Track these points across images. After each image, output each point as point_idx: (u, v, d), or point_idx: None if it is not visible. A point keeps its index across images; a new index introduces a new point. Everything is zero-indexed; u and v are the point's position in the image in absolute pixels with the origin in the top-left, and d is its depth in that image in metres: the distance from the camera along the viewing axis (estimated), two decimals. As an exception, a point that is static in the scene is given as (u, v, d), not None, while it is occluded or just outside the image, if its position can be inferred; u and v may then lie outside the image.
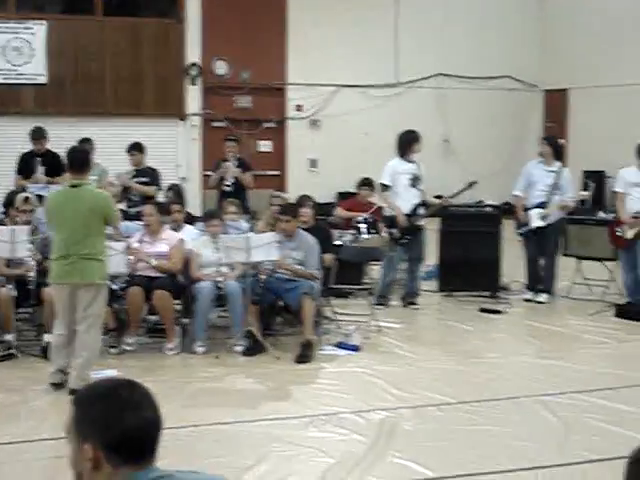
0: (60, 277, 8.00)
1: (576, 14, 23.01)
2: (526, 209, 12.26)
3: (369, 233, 12.20)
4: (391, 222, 11.96)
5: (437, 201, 12.30)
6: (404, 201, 11.93)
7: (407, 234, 11.85)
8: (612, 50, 21.82)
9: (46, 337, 9.00)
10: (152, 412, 2.57)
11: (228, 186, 13.31)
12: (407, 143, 12.09)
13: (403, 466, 6.29)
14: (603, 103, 22.09)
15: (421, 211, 11.95)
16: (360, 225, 12.26)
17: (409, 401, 7.85)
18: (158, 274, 9.63)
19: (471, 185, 12.42)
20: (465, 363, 9.29)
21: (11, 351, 9.20)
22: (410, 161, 12.03)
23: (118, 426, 2.49)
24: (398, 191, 11.96)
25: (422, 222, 12.03)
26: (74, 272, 7.90)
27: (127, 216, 11.60)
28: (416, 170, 12.02)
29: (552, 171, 12.26)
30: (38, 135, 13.15)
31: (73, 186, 8.06)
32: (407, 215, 11.86)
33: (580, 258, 12.77)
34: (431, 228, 12.63)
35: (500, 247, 12.59)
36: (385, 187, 12.07)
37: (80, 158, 8.23)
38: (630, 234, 11.51)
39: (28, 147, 13.17)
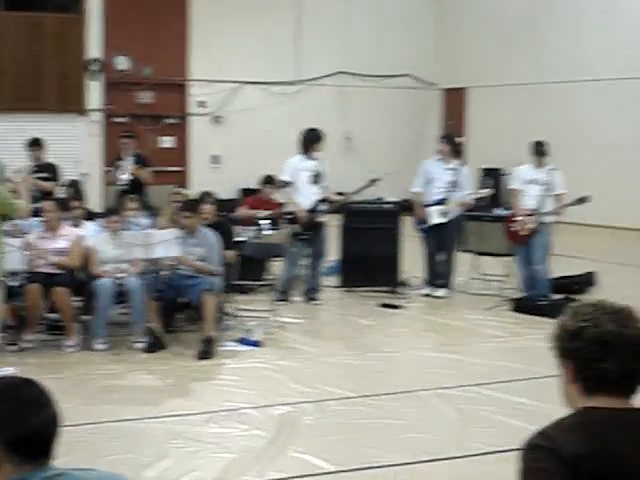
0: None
1: (473, 15, 23.43)
2: (425, 206, 12.44)
3: (271, 229, 12.26)
4: (292, 218, 12.03)
5: (338, 198, 12.40)
6: (305, 198, 12.01)
7: (308, 230, 11.93)
8: (508, 50, 22.29)
9: None
10: (52, 410, 2.58)
11: (125, 183, 13.18)
12: (310, 141, 12.16)
13: (303, 460, 6.36)
14: (500, 102, 22.53)
15: (322, 208, 12.04)
16: (262, 222, 12.31)
17: (310, 396, 7.92)
18: (57, 271, 9.53)
19: (373, 182, 12.56)
20: (365, 357, 9.41)
21: None
22: (311, 158, 12.10)
23: (20, 425, 2.49)
24: (299, 187, 12.03)
25: (323, 218, 12.12)
26: None
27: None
28: (317, 167, 12.10)
29: (451, 168, 12.46)
30: None
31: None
32: (308, 211, 11.94)
33: (477, 254, 13.01)
34: (332, 224, 12.73)
35: (400, 243, 12.75)
36: (286, 183, 12.13)
37: None
38: (525, 230, 11.78)
39: None
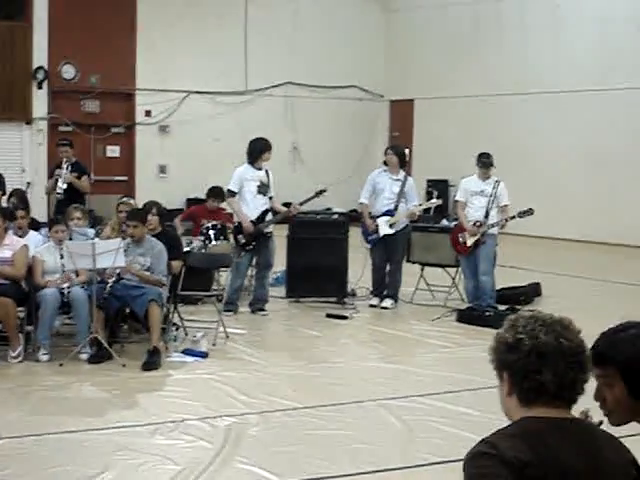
0: None
1: (421, 26, 23.61)
2: (373, 217, 12.48)
3: (217, 239, 12.23)
4: (237, 229, 12.01)
5: (285, 208, 12.40)
6: (251, 208, 11.99)
7: (253, 241, 11.91)
8: (455, 62, 22.48)
9: None
10: None
11: (59, 193, 13.03)
12: (257, 151, 12.14)
13: (249, 472, 6.34)
14: (447, 114, 22.72)
15: (268, 218, 12.03)
16: (209, 232, 12.28)
17: (256, 407, 7.90)
18: (1, 281, 9.42)
19: (320, 193, 12.58)
20: (311, 368, 9.40)
21: None
22: (259, 168, 12.08)
23: None
24: (245, 198, 12.01)
25: (269, 229, 12.11)
26: None
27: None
28: (264, 177, 12.09)
29: (397, 180, 12.52)
30: None
31: None
32: (253, 222, 11.92)
33: (423, 264, 13.08)
34: (279, 235, 12.72)
35: (347, 254, 12.78)
36: (232, 193, 12.10)
37: None
38: (470, 241, 11.87)
39: None
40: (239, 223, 12.01)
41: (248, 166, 12.12)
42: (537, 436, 2.69)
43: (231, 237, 12.20)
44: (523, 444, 2.66)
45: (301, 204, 12.49)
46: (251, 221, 11.91)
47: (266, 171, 12.15)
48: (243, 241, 11.94)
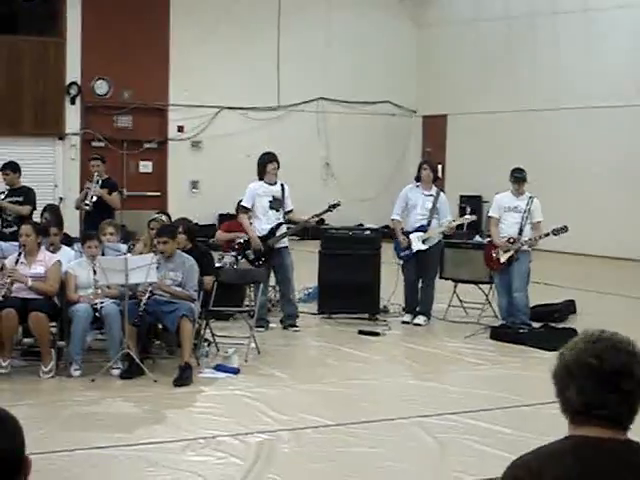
0: None
1: (453, 43, 23.57)
2: (405, 233, 12.42)
3: (243, 256, 12.21)
4: (246, 244, 12.01)
5: (300, 219, 12.39)
6: (263, 223, 11.97)
7: (263, 256, 11.87)
8: (488, 77, 22.41)
9: None
10: None
11: (87, 205, 13.03)
12: (262, 164, 12.15)
13: (280, 489, 6.30)
14: (480, 129, 22.63)
15: (280, 232, 11.97)
16: (240, 247, 12.26)
17: (287, 423, 7.85)
18: (34, 296, 9.44)
19: (334, 207, 12.55)
20: (343, 385, 9.35)
21: None
22: (272, 183, 12.07)
23: None
24: (256, 213, 12.01)
25: (283, 244, 12.05)
26: None
27: (2, 236, 11.36)
28: (278, 192, 12.06)
29: (430, 195, 12.46)
30: None
31: None
32: (263, 237, 11.88)
33: (456, 281, 12.99)
34: (311, 250, 12.68)
35: (379, 270, 12.72)
36: (244, 209, 12.10)
37: None
38: (504, 258, 11.78)
39: None
40: (248, 239, 12.01)
41: (260, 182, 12.12)
42: (571, 455, 2.64)
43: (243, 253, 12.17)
44: (557, 463, 2.62)
45: (316, 217, 12.48)
46: (261, 237, 11.88)
47: (281, 185, 12.13)
48: (252, 257, 11.92)
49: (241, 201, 12.48)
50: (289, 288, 12.20)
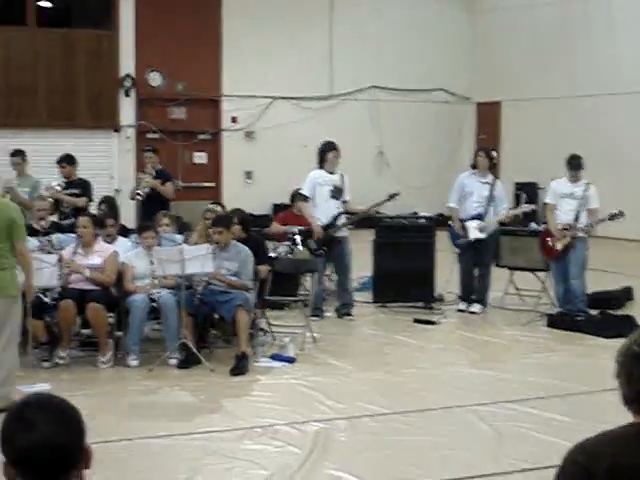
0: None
1: (507, 28, 23.37)
2: (462, 221, 12.35)
3: (304, 245, 12.22)
4: (307, 233, 12.01)
5: (359, 209, 12.37)
6: (323, 212, 11.97)
7: (324, 245, 11.87)
8: (542, 63, 22.19)
9: None
10: (47, 434, 2.54)
11: (140, 195, 13.08)
12: (322, 152, 12.17)
13: (337, 477, 6.29)
14: (535, 115, 22.44)
15: (341, 222, 11.97)
16: (295, 237, 12.28)
17: (344, 412, 7.86)
18: (91, 287, 9.54)
19: (392, 197, 12.50)
20: (399, 373, 9.33)
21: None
22: (331, 172, 12.07)
23: (10, 446, 2.54)
24: (317, 202, 12.01)
25: (343, 233, 12.05)
26: None
27: (60, 228, 11.49)
28: (338, 181, 12.06)
29: (486, 182, 12.39)
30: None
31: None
32: (324, 227, 11.88)
33: (512, 269, 12.90)
34: (365, 239, 12.68)
35: (434, 258, 12.68)
36: (304, 197, 12.11)
37: None
38: (560, 245, 11.67)
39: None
40: (309, 228, 12.01)
41: (320, 170, 12.13)
42: (622, 440, 2.65)
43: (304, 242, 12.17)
44: (603, 447, 2.63)
45: (374, 207, 12.46)
46: (322, 226, 11.89)
47: (341, 175, 12.12)
48: (314, 246, 11.92)
49: (298, 190, 12.49)
50: (347, 277, 12.20)
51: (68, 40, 20.50)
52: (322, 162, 12.15)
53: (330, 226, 11.93)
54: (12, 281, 7.77)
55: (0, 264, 7.65)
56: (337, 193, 12.04)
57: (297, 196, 12.64)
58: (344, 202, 12.10)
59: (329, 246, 11.92)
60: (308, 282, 12.42)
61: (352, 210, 12.27)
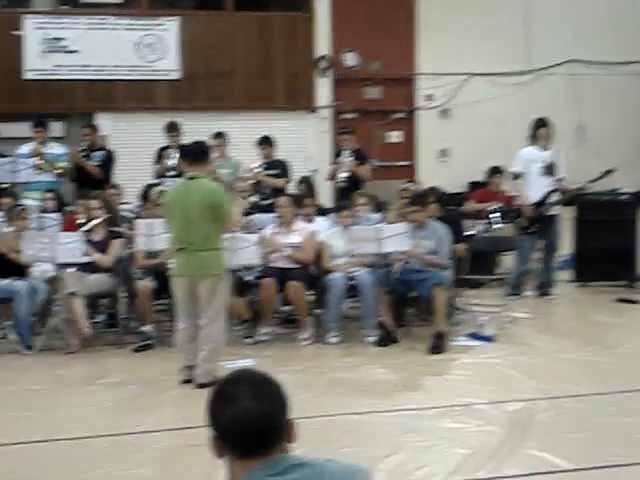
0: (179, 270, 7.99)
1: None
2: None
3: (501, 223, 12.06)
4: (517, 211, 11.81)
5: (572, 187, 12.07)
6: (534, 189, 11.75)
7: (535, 223, 11.65)
8: None
9: (143, 329, 9.41)
10: (249, 406, 2.59)
11: (343, 181, 13.08)
12: (534, 129, 11.97)
13: (540, 458, 6.19)
14: None
15: (553, 200, 11.73)
16: (492, 215, 12.13)
17: (545, 392, 7.73)
18: (291, 265, 9.72)
19: (608, 173, 12.15)
20: (602, 354, 9.10)
21: (149, 342, 9.41)
22: (545, 149, 11.84)
23: (216, 420, 2.63)
24: (529, 179, 11.80)
25: (555, 211, 11.81)
26: (192, 264, 7.88)
27: (259, 208, 11.73)
28: (550, 158, 11.81)
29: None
30: (173, 129, 13.40)
31: (190, 178, 8.02)
32: (535, 204, 11.66)
33: None
34: (566, 217, 12.40)
35: (637, 236, 12.28)
36: (515, 175, 11.94)
37: (193, 150, 8.12)
38: None
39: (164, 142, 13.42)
40: (510, 206, 11.83)
41: (532, 147, 11.93)
42: None
43: (513, 220, 11.99)
44: None
45: (588, 183, 12.14)
46: (533, 203, 11.68)
47: (554, 151, 11.87)
48: (525, 224, 11.72)
49: (495, 167, 12.33)
50: (553, 256, 11.98)
51: (265, 23, 20.84)
52: (533, 139, 11.96)
53: (541, 204, 11.72)
54: (218, 262, 7.99)
55: (205, 245, 7.88)
56: (549, 170, 11.80)
57: (509, 174, 12.45)
58: (559, 180, 11.84)
59: (541, 224, 11.71)
60: (507, 260, 12.27)
61: (563, 189, 11.97)
